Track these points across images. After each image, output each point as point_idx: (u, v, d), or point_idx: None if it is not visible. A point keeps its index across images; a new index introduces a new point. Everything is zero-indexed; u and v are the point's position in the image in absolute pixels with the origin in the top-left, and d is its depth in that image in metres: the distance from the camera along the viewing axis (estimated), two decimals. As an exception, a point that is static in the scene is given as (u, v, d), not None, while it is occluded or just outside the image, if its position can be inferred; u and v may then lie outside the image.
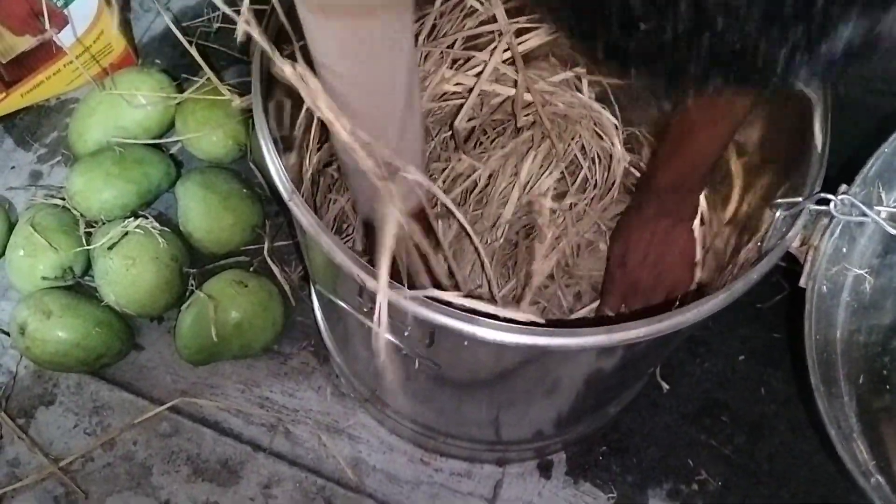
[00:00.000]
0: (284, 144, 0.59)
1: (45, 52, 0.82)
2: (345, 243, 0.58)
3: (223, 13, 0.92)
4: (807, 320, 0.44)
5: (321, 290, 0.50)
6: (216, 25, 0.92)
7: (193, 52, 0.80)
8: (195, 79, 0.83)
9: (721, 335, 0.80)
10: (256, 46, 0.52)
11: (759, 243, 0.52)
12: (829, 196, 0.44)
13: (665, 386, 0.77)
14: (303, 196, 0.63)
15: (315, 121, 0.62)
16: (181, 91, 0.83)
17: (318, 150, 0.66)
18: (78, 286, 0.78)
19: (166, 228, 0.77)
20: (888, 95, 0.56)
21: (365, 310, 0.47)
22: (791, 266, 0.48)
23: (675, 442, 0.76)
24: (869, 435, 0.44)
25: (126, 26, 0.91)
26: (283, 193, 0.46)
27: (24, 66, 0.82)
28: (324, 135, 0.69)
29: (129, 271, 0.74)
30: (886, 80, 0.57)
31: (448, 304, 0.41)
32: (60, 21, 0.80)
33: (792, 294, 0.80)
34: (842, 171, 0.49)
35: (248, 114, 0.83)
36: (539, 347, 0.42)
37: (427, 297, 0.42)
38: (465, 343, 0.45)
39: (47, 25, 0.76)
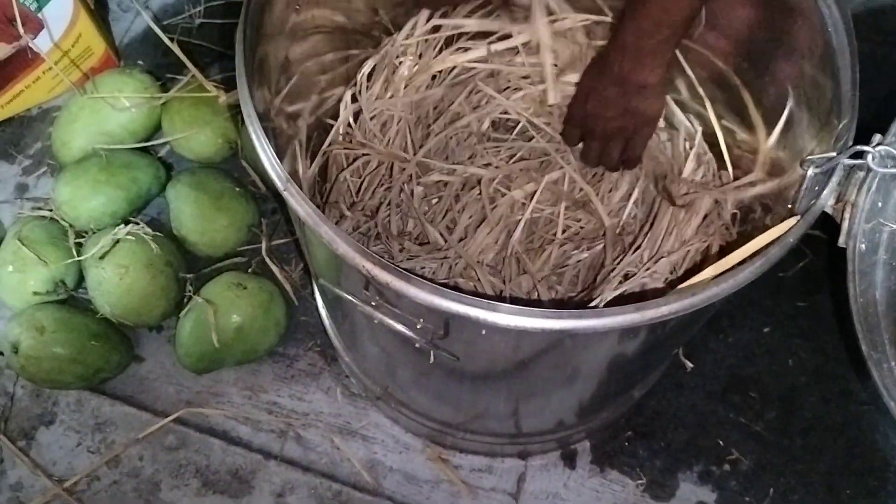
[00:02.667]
0: (278, 143, 0.56)
1: (23, 60, 0.79)
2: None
3: (204, 8, 0.89)
4: (850, 282, 0.40)
5: (325, 284, 0.46)
6: (198, 21, 0.89)
7: (176, 49, 0.77)
8: (179, 77, 0.80)
9: (743, 308, 0.77)
10: (240, 36, 0.49)
11: (790, 204, 0.48)
12: (866, 148, 0.41)
13: (689, 365, 0.74)
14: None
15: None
16: (166, 91, 0.80)
17: (314, 151, 0.63)
18: (71, 299, 0.75)
19: (159, 234, 0.74)
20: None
21: (373, 303, 0.44)
22: (811, 231, 0.45)
23: (704, 422, 0.73)
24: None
25: (105, 28, 0.88)
26: (278, 183, 0.42)
27: (1, 75, 0.79)
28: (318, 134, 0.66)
29: (122, 280, 0.71)
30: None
31: (461, 290, 0.38)
32: (35, 26, 0.77)
33: (814, 261, 0.77)
34: (871, 122, 0.46)
35: (236, 109, 0.80)
36: (566, 331, 0.39)
37: (438, 284, 0.39)
38: (483, 332, 0.42)
39: (21, 31, 0.72)
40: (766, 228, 0.50)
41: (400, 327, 0.42)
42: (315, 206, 0.63)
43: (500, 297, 0.63)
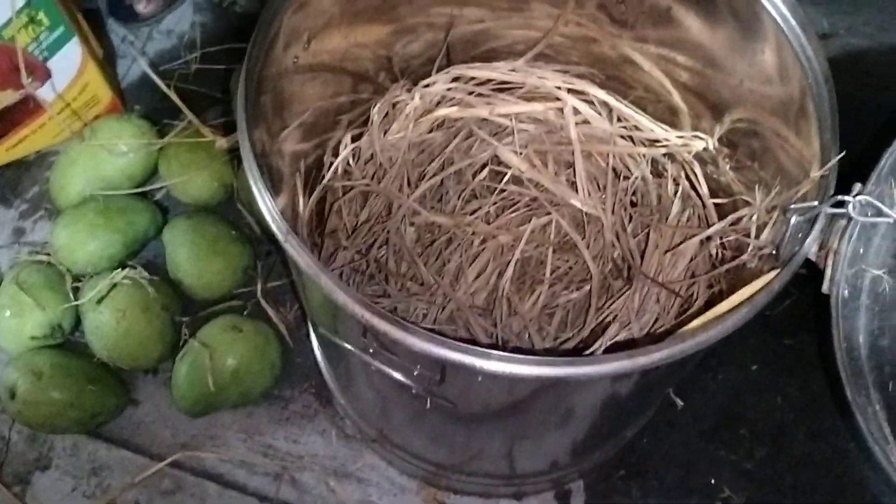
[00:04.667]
0: (274, 180, 0.57)
1: (29, 107, 0.80)
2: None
3: (201, 54, 0.91)
4: (834, 328, 0.42)
5: (323, 332, 0.47)
6: (194, 67, 0.90)
7: (172, 95, 0.79)
8: (176, 122, 0.81)
9: (731, 346, 0.78)
10: (238, 82, 0.50)
11: (771, 250, 0.50)
12: (846, 198, 0.43)
13: (679, 403, 0.75)
14: (299, 234, 0.62)
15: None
16: (163, 135, 0.81)
17: (312, 189, 0.65)
18: (67, 343, 0.76)
19: (155, 277, 0.75)
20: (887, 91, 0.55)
21: (371, 350, 0.45)
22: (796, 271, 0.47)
23: (695, 460, 0.74)
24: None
25: (113, 75, 0.89)
26: (278, 234, 0.43)
27: (7, 120, 0.80)
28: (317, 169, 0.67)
29: (119, 324, 0.71)
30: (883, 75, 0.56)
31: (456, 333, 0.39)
32: (42, 75, 0.78)
33: (799, 299, 0.79)
34: (850, 170, 0.47)
35: (232, 154, 0.81)
36: (559, 378, 0.40)
37: (433, 332, 0.40)
38: (479, 378, 0.43)
39: (24, 80, 0.74)
40: (749, 272, 0.52)
41: (397, 375, 0.43)
42: (312, 241, 0.66)
43: (493, 343, 0.64)
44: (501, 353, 0.40)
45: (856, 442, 0.70)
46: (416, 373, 0.45)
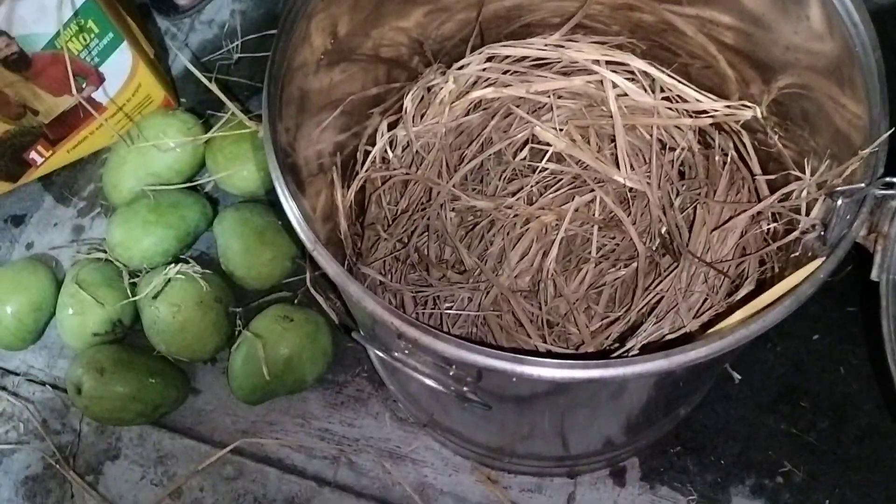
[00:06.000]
0: (310, 175, 0.57)
1: (86, 110, 0.82)
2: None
3: (241, 42, 0.91)
4: (884, 318, 0.40)
5: (362, 335, 0.47)
6: (236, 56, 0.91)
7: (214, 88, 0.79)
8: (220, 114, 0.82)
9: (792, 316, 0.75)
10: (266, 73, 0.50)
11: (821, 230, 0.48)
12: (895, 179, 0.40)
13: (737, 376, 0.73)
14: (339, 227, 0.62)
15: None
16: (209, 127, 0.82)
17: (351, 180, 0.64)
18: (129, 337, 0.79)
19: (208, 270, 0.77)
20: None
21: (406, 352, 0.45)
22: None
23: (754, 434, 0.72)
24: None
25: (165, 73, 0.91)
26: (307, 244, 0.44)
27: (66, 124, 0.83)
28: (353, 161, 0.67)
29: (175, 318, 0.73)
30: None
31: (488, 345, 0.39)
32: (96, 79, 0.80)
33: (862, 263, 0.75)
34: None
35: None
36: (595, 379, 0.39)
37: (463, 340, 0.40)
38: (514, 379, 0.43)
39: (73, 88, 0.76)
40: (803, 249, 0.50)
41: (430, 382, 0.43)
42: (354, 232, 0.66)
43: (538, 329, 0.63)
44: (532, 357, 0.39)
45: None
46: (451, 373, 0.45)
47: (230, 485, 0.73)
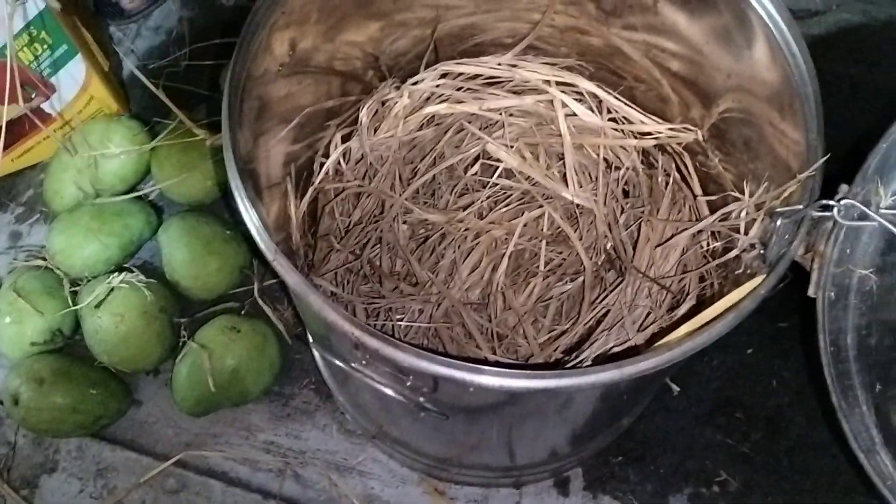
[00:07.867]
0: (264, 185, 0.57)
1: (33, 120, 0.80)
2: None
3: (189, 50, 0.90)
4: (821, 333, 0.42)
5: (315, 348, 0.48)
6: (184, 63, 0.90)
7: (162, 95, 0.78)
8: (167, 121, 0.81)
9: (727, 330, 0.79)
10: (227, 82, 0.50)
11: (760, 249, 0.50)
12: (831, 202, 0.43)
13: (676, 389, 0.76)
14: (292, 238, 0.62)
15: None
16: (154, 134, 0.81)
17: (304, 191, 0.65)
18: (68, 347, 0.77)
19: (152, 280, 0.75)
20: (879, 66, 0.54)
21: (363, 362, 0.46)
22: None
23: (692, 444, 0.75)
24: (891, 447, 0.42)
25: (119, 85, 0.89)
26: (267, 253, 0.44)
27: (13, 132, 0.81)
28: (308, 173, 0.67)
29: (118, 328, 0.72)
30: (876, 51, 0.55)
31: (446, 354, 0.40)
32: (46, 90, 0.79)
33: (794, 281, 0.79)
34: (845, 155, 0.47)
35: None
36: (550, 389, 0.41)
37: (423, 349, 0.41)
38: (471, 389, 0.43)
39: (20, 100, 0.74)
40: (741, 266, 0.53)
41: (388, 390, 0.44)
42: (306, 243, 0.66)
43: (487, 340, 0.65)
44: (490, 367, 0.40)
45: (842, 451, 0.71)
46: (408, 383, 0.45)
47: (173, 498, 0.72)
